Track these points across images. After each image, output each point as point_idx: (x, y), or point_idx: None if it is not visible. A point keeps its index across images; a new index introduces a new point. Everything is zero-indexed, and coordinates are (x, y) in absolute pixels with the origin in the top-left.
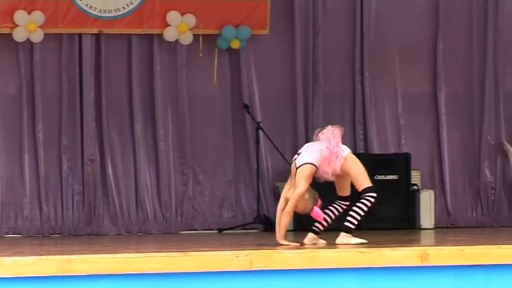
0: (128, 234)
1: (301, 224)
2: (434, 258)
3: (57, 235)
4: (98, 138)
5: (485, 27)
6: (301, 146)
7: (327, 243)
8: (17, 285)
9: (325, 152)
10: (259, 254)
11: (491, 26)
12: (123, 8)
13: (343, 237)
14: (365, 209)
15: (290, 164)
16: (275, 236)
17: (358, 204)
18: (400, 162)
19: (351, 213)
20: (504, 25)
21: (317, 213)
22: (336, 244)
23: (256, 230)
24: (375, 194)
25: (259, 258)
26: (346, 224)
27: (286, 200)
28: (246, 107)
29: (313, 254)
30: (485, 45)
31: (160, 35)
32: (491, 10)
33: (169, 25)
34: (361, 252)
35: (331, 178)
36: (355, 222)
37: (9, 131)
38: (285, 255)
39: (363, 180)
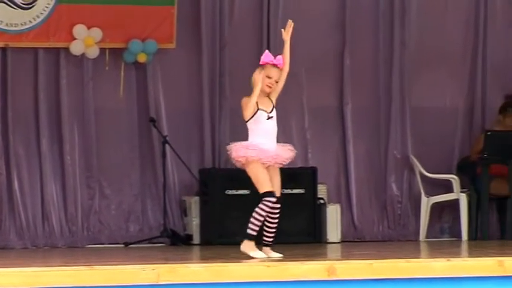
0: (34, 248)
1: (207, 239)
2: (342, 272)
3: None
4: (4, 152)
5: (391, 42)
6: (208, 160)
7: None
8: None
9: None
10: (166, 268)
11: (398, 41)
12: (30, 21)
13: (245, 245)
14: (262, 213)
15: (196, 178)
16: (182, 250)
17: (256, 209)
18: (307, 176)
19: (251, 219)
20: (410, 40)
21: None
22: (240, 251)
23: (162, 244)
24: (272, 199)
25: (166, 272)
26: (247, 230)
27: None
28: (152, 120)
29: (220, 267)
30: (392, 60)
31: (66, 49)
32: (398, 25)
33: (75, 39)
34: (268, 266)
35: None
36: (255, 228)
37: None
38: (191, 269)
39: (261, 185)
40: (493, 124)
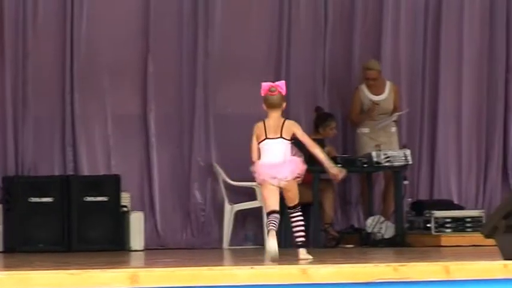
0: None
1: (11, 246)
2: (144, 279)
3: None
4: None
5: (195, 50)
6: (11, 167)
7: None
8: None
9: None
10: None
11: (202, 50)
12: None
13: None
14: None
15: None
16: None
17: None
18: (110, 184)
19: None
20: (214, 48)
21: None
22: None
23: None
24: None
25: None
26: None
27: None
28: None
29: (23, 275)
30: (196, 68)
31: None
32: (202, 33)
33: None
34: (71, 274)
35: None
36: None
37: None
38: None
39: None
40: (311, 137)
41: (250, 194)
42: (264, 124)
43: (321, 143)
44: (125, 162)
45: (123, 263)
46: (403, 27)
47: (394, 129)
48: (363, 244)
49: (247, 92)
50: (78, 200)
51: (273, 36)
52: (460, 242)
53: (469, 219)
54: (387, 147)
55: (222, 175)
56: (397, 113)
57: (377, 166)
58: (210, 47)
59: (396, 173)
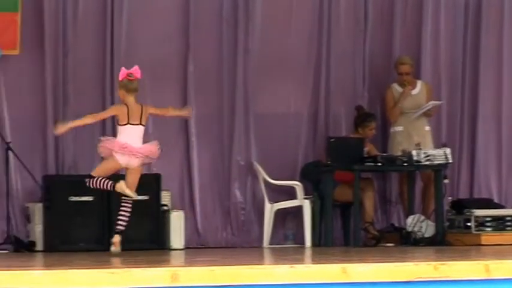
0: None
1: (51, 245)
2: (184, 278)
3: None
4: None
5: (235, 48)
6: (52, 167)
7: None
8: None
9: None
10: (8, 276)
11: (242, 48)
12: None
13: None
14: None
15: (39, 185)
16: (25, 257)
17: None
18: (151, 183)
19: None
20: (255, 46)
21: None
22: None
23: (6, 251)
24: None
25: (8, 279)
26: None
27: None
28: None
29: (63, 274)
30: (236, 67)
31: None
32: (242, 32)
33: None
34: (112, 273)
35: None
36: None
37: None
38: (34, 276)
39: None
40: (350, 135)
41: (290, 193)
42: (128, 109)
43: (361, 141)
44: (165, 161)
45: (163, 261)
46: (443, 26)
47: (427, 128)
48: (403, 243)
49: (287, 91)
50: (119, 199)
51: (313, 35)
52: (500, 240)
53: (509, 218)
54: (422, 147)
55: (262, 174)
56: (433, 102)
57: (417, 165)
58: (250, 45)
59: (436, 172)
